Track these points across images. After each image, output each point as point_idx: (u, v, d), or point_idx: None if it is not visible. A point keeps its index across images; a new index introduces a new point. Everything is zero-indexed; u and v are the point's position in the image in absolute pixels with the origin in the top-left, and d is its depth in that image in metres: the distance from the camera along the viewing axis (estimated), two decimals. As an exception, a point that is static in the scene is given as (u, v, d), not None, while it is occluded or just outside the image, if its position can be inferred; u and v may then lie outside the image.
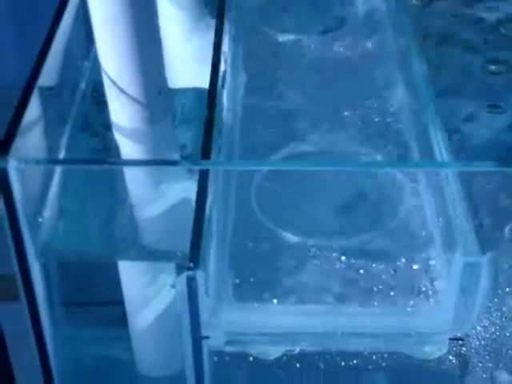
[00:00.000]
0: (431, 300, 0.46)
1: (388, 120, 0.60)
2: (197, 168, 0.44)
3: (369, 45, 0.67)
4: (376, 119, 0.60)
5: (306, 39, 0.69)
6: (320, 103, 0.63)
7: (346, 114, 0.61)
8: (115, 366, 0.65)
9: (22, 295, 0.50)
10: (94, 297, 0.61)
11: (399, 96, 0.61)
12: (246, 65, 0.65)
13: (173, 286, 0.44)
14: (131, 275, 0.53)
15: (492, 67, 0.62)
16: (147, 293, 0.53)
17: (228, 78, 0.61)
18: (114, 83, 0.48)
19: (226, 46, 0.62)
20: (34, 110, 0.48)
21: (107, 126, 0.53)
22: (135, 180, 0.48)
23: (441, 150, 0.52)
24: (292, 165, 0.51)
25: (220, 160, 0.48)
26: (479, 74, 0.62)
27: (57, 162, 0.44)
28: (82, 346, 0.64)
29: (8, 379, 0.68)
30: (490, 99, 0.60)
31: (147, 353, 0.57)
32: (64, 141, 0.52)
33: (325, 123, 0.60)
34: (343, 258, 0.49)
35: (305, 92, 0.63)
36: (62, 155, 0.51)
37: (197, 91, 0.61)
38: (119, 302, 0.60)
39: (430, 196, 0.51)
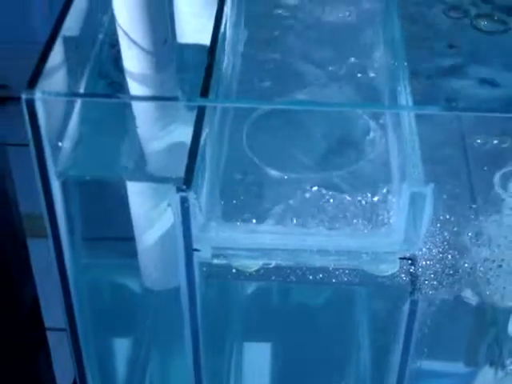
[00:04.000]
0: (385, 225, 0.55)
1: (370, 75, 0.68)
2: (195, 104, 0.52)
3: (359, 9, 0.75)
4: (358, 75, 0.68)
5: (304, 2, 0.76)
6: (312, 59, 0.71)
7: (332, 69, 0.69)
8: (124, 282, 0.75)
9: (45, 215, 0.59)
10: (107, 224, 0.70)
11: (380, 55, 0.69)
12: (248, 22, 0.73)
13: (169, 205, 0.53)
14: (138, 199, 0.62)
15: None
16: (152, 215, 0.62)
17: (230, 33, 0.69)
18: (126, 34, 0.57)
19: (229, 4, 0.70)
20: (57, 55, 0.57)
21: (120, 71, 0.62)
22: (143, 116, 0.57)
23: (407, 102, 0.60)
24: (279, 104, 0.60)
25: (216, 98, 0.56)
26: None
27: (75, 95, 0.52)
28: (97, 271, 0.73)
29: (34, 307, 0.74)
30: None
31: (151, 268, 0.66)
32: (83, 83, 0.61)
33: (314, 77, 0.68)
34: (315, 189, 0.57)
35: (298, 50, 0.72)
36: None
37: (201, 46, 0.70)
38: (129, 238, 0.69)
39: (393, 139, 0.59)
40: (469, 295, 0.57)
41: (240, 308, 0.87)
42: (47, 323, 0.86)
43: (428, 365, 0.80)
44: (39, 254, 0.70)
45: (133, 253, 0.70)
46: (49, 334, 0.85)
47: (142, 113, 0.57)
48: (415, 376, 0.73)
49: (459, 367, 0.82)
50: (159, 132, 0.58)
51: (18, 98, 0.86)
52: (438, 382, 0.82)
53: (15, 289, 0.62)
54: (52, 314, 0.75)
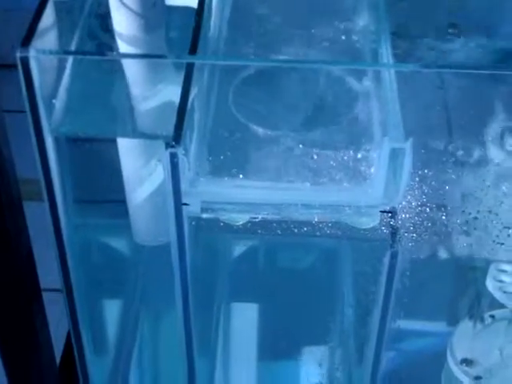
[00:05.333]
0: (367, 179, 0.57)
1: (353, 38, 0.70)
2: (183, 61, 0.54)
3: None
4: (342, 37, 0.70)
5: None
6: (296, 22, 0.73)
7: (316, 32, 0.71)
8: (117, 241, 0.78)
9: (40, 172, 0.60)
10: (99, 183, 0.72)
11: (363, 18, 0.71)
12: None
13: (159, 161, 0.55)
14: (129, 158, 0.64)
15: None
16: (142, 173, 0.64)
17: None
18: (116, -5, 0.58)
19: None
20: (49, 16, 0.58)
21: (109, 33, 0.63)
22: (133, 76, 0.59)
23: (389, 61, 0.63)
24: (264, 61, 0.62)
25: (204, 55, 0.58)
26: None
27: (66, 53, 0.54)
28: (90, 230, 0.76)
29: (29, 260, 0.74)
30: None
31: (143, 225, 0.68)
32: (73, 45, 0.63)
33: (299, 39, 0.70)
34: (301, 146, 0.60)
35: (283, 13, 0.73)
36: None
37: (188, 9, 0.71)
38: (121, 197, 0.71)
39: (375, 98, 0.62)
40: (446, 247, 0.60)
41: (228, 268, 0.90)
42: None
43: (410, 324, 0.83)
44: (32, 217, 0.71)
45: (125, 211, 0.72)
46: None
47: (132, 72, 0.59)
48: (398, 335, 0.76)
49: (441, 326, 0.85)
50: (149, 91, 0.60)
51: (7, 66, 0.87)
52: (420, 341, 0.86)
53: (11, 244, 0.64)
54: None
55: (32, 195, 0.73)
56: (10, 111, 0.73)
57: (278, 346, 0.89)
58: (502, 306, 0.74)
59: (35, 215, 0.71)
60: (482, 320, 0.76)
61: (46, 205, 0.63)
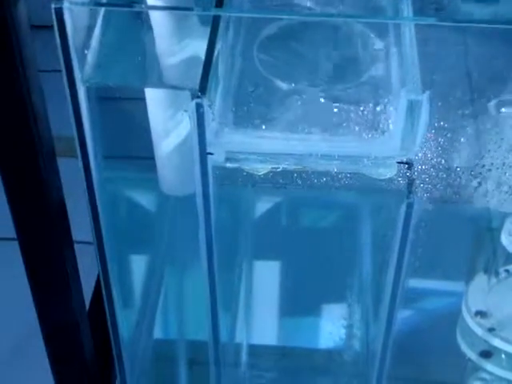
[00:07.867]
0: (385, 131, 0.59)
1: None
2: (209, 14, 0.56)
3: None
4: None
5: None
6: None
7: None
8: (144, 194, 0.80)
9: (73, 123, 0.63)
10: (128, 136, 0.75)
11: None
12: None
13: (185, 111, 0.58)
14: (157, 110, 0.67)
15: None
16: (169, 125, 0.67)
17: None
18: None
19: None
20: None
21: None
22: (161, 30, 0.61)
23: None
24: (289, 14, 0.64)
25: (229, 8, 0.60)
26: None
27: (98, 4, 0.57)
28: (120, 185, 0.78)
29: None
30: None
31: (170, 175, 0.71)
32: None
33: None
34: (322, 99, 0.62)
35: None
36: (101, 11, 0.63)
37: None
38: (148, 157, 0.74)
39: (395, 53, 0.63)
40: (461, 199, 0.62)
41: (250, 225, 0.92)
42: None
43: (426, 283, 0.85)
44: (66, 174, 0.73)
45: (153, 166, 0.75)
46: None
47: (161, 26, 0.61)
48: (414, 294, 0.78)
49: (457, 285, 0.87)
50: (177, 45, 0.62)
51: (37, 26, 0.90)
52: (437, 300, 0.88)
53: (45, 195, 0.67)
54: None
55: (65, 152, 0.76)
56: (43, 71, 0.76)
57: (298, 300, 0.92)
58: (518, 260, 0.76)
59: (68, 172, 0.74)
60: (497, 274, 0.78)
61: (79, 158, 0.65)
